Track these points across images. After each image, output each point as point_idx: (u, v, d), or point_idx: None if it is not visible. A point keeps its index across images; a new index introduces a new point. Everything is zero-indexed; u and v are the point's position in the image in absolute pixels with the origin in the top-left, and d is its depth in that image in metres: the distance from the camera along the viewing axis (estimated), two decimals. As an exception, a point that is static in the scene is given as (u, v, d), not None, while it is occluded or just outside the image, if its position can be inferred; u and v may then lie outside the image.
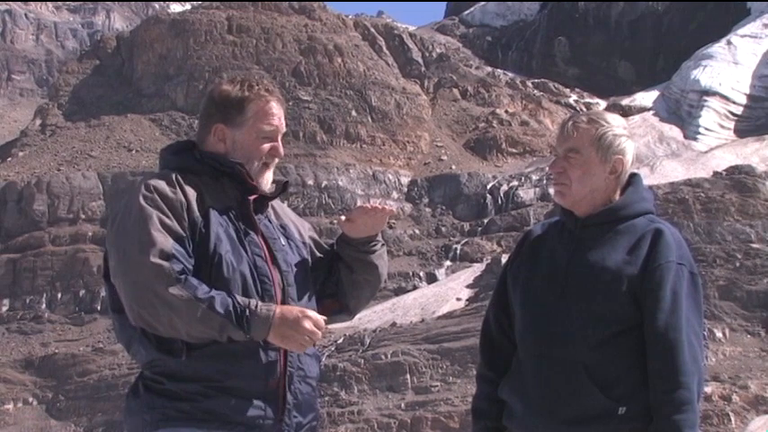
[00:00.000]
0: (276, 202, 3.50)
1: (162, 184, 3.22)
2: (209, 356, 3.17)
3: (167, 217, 3.17)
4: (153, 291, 3.06)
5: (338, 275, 3.51)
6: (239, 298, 3.14)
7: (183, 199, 3.22)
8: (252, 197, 3.34)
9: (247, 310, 3.10)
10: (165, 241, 3.12)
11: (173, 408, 3.17)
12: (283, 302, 3.28)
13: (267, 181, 3.41)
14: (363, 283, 3.52)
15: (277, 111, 3.41)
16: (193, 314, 3.07)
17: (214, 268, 3.20)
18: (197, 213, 3.23)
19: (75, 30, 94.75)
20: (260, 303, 3.14)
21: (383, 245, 3.52)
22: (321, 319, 3.19)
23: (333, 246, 3.56)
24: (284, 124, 3.45)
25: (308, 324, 3.15)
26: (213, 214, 3.25)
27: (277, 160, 3.43)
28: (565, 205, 3.48)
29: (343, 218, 3.41)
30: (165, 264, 3.09)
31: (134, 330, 3.19)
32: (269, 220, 3.40)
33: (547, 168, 51.17)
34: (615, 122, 3.47)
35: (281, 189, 3.46)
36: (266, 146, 3.38)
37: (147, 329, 3.15)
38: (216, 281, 3.17)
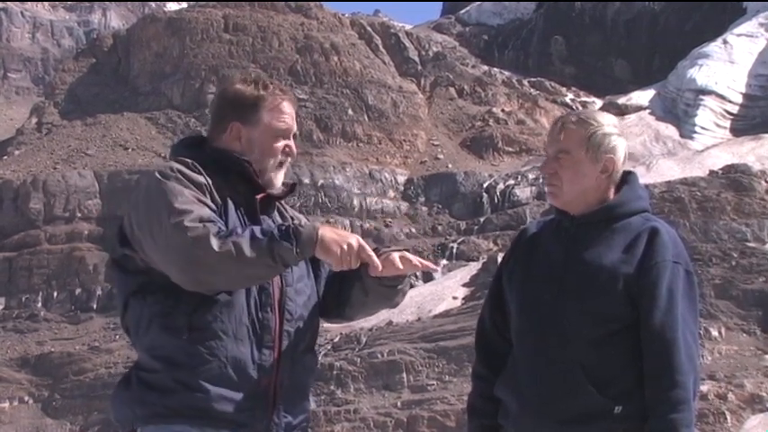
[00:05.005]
0: (282, 203, 3.49)
1: (182, 168, 3.23)
2: (207, 340, 3.17)
3: (197, 193, 3.18)
4: (201, 250, 3.05)
5: (348, 293, 3.44)
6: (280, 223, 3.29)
7: (205, 181, 3.24)
8: (259, 196, 3.33)
9: (291, 226, 3.13)
10: (201, 209, 3.14)
11: (161, 404, 3.17)
12: (281, 302, 3.28)
13: (279, 181, 3.41)
14: (373, 306, 3.48)
15: (289, 110, 3.41)
16: (242, 253, 3.06)
17: None
18: (217, 198, 3.25)
19: (71, 28, 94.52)
20: (303, 221, 3.16)
21: (409, 278, 3.42)
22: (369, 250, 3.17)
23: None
24: (296, 125, 3.46)
25: (353, 240, 3.14)
26: (230, 203, 3.27)
27: (290, 160, 3.43)
28: (557, 206, 3.47)
29: (379, 265, 3.21)
30: (203, 225, 3.10)
31: (143, 307, 3.21)
32: (273, 221, 3.38)
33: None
34: (605, 121, 3.46)
35: (290, 190, 3.45)
36: (281, 144, 3.37)
37: (206, 292, 3.14)
38: None
